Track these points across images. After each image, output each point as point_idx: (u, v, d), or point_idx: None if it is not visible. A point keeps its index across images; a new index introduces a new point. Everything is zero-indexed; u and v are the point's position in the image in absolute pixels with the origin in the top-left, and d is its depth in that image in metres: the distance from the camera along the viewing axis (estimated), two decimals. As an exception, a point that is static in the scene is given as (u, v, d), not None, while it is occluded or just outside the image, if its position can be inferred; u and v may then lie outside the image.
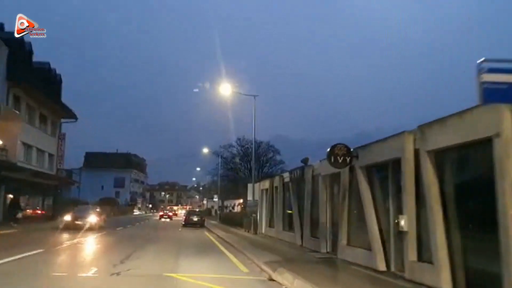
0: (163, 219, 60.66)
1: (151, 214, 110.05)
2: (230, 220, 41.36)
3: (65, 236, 20.62)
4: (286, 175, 21.51)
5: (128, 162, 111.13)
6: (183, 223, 39.53)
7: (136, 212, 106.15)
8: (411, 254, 9.23)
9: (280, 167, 75.93)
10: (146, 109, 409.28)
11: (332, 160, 12.18)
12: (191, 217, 38.78)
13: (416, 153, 9.43)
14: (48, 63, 35.67)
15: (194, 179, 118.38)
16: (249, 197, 28.76)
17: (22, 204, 32.84)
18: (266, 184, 26.31)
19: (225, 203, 74.46)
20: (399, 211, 9.94)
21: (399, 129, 10.17)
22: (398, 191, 10.26)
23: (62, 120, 38.53)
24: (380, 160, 11.10)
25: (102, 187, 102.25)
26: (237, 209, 77.14)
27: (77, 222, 25.81)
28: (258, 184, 28.60)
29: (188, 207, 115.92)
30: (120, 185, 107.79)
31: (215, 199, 56.00)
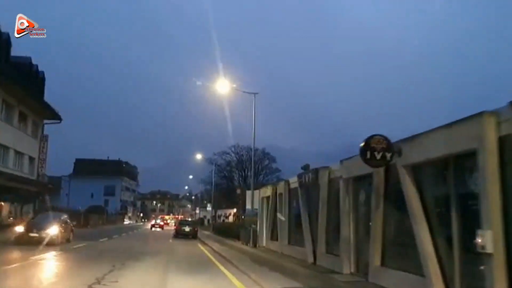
0: (154, 229, 58.26)
1: (142, 223, 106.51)
2: (224, 231, 38.38)
3: (12, 254, 16.26)
4: (293, 180, 18.71)
5: (119, 169, 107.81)
6: (174, 233, 36.55)
7: (127, 221, 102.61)
8: (499, 284, 6.45)
9: (276, 175, 73.10)
10: (139, 116, 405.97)
11: (368, 156, 9.41)
12: (182, 227, 35.79)
13: (502, 142, 6.72)
14: (29, 58, 32.76)
15: (186, 187, 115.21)
16: (248, 206, 25.87)
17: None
18: (267, 191, 23.49)
19: (218, 212, 71.53)
20: (470, 223, 7.19)
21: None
22: (465, 196, 7.56)
23: (45, 121, 35.52)
24: (435, 155, 8.34)
25: (92, 195, 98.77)
26: (231, 219, 74.52)
27: (32, 235, 20.63)
28: (257, 191, 25.77)
29: (180, 216, 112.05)
30: (110, 193, 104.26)
31: (209, 208, 52.99)
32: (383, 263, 10.35)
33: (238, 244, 26.77)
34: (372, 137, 9.51)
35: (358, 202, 12.30)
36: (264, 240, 23.64)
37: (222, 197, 73.51)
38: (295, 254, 17.30)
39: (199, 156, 53.01)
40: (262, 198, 24.52)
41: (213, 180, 59.34)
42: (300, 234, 17.29)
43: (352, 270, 12.12)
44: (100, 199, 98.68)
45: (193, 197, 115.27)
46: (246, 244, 24.92)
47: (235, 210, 78.45)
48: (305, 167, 20.76)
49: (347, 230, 12.37)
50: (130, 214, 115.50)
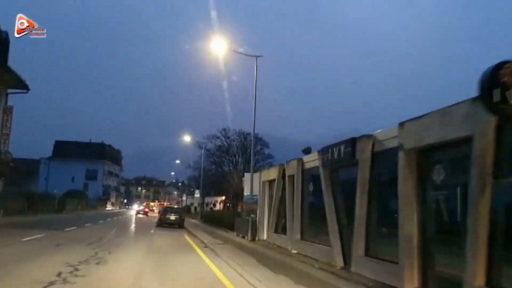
0: (139, 215, 55.48)
1: (125, 209, 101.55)
2: (214, 220, 34.30)
3: None
4: (310, 158, 14.61)
5: (102, 152, 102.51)
6: (158, 221, 32.32)
7: (109, 207, 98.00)
8: None
9: (268, 161, 69.06)
10: (127, 99, 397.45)
11: (498, 97, 5.28)
12: (167, 215, 31.53)
13: None
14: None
15: (173, 173, 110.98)
16: (246, 192, 21.73)
17: None
18: (271, 173, 19.42)
19: (206, 200, 67.39)
20: None
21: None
22: None
23: (10, 90, 30.75)
24: None
25: (73, 179, 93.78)
26: (219, 206, 70.65)
27: None
28: (257, 174, 21.66)
29: (166, 203, 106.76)
30: (92, 177, 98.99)
31: (197, 195, 48.56)
32: (490, 283, 6.31)
33: (232, 236, 22.71)
34: (503, 64, 5.36)
35: (429, 184, 8.20)
36: (265, 232, 19.61)
37: (210, 184, 69.53)
38: (312, 253, 13.28)
39: (187, 138, 48.35)
40: (263, 182, 20.45)
41: (202, 164, 55.01)
42: (319, 227, 13.29)
43: (417, 285, 8.09)
44: (81, 183, 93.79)
45: (179, 184, 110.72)
46: (243, 237, 20.89)
47: (223, 197, 74.85)
48: (307, 150, 16.85)
49: (412, 226, 8.28)
50: (113, 200, 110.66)
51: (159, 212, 43.22)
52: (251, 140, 68.42)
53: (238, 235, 22.20)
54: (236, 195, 63.50)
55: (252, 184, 20.49)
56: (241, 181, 29.45)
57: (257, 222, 20.02)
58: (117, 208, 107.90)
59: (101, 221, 34.08)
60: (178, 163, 76.92)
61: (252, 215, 19.93)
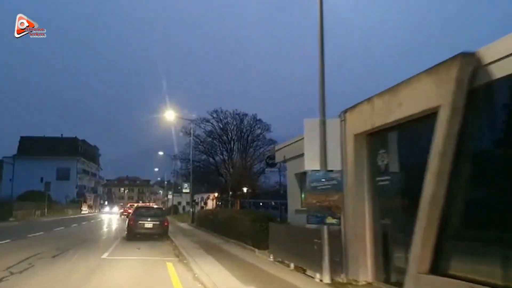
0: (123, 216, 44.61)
1: (107, 212, 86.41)
2: (214, 225, 22.31)
3: None
4: None
5: (75, 148, 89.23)
6: (126, 232, 20.26)
7: (85, 210, 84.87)
8: None
9: (270, 147, 57.18)
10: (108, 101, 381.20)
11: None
12: (141, 222, 19.39)
13: None
14: None
15: (156, 169, 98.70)
16: (310, 165, 9.34)
17: None
18: (409, 93, 7.45)
19: (195, 197, 55.21)
20: None
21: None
22: None
23: None
24: None
25: (42, 179, 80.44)
26: (212, 204, 59.02)
27: None
28: (335, 121, 9.36)
29: (151, 203, 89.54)
30: (64, 177, 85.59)
31: (186, 190, 36.01)
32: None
33: (264, 262, 10.95)
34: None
35: None
36: (369, 264, 7.77)
37: (199, 179, 57.98)
38: None
39: (170, 117, 35.53)
40: (366, 136, 8.42)
41: (191, 151, 42.85)
42: None
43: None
44: (53, 184, 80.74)
45: (165, 183, 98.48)
46: (301, 270, 9.05)
47: (215, 194, 63.24)
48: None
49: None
50: (90, 202, 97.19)
51: (127, 216, 30.10)
52: (248, 122, 56.73)
53: (279, 262, 10.50)
54: (236, 189, 51.94)
55: (325, 147, 8.48)
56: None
57: (343, 235, 8.19)
58: (96, 211, 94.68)
59: (42, 233, 22.06)
60: (161, 155, 64.38)
61: (331, 220, 8.04)
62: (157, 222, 19.59)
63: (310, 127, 8.79)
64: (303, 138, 9.30)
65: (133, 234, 19.28)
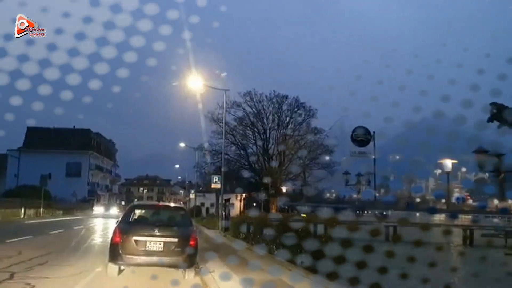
0: None
1: (101, 216, 74.47)
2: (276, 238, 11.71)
3: None
4: None
5: (87, 141, 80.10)
6: (108, 259, 9.74)
7: (97, 210, 74.84)
8: None
9: (316, 138, 46.45)
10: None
11: None
12: (137, 240, 8.96)
13: None
14: None
15: (177, 166, 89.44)
16: None
17: None
18: None
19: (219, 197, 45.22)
20: None
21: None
22: None
23: None
24: None
25: (50, 175, 71.13)
26: (240, 206, 50.20)
27: None
28: None
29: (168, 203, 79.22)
30: (75, 173, 76.55)
31: (216, 184, 25.84)
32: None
33: None
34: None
35: None
36: None
37: (227, 177, 48.13)
38: None
39: (196, 84, 25.21)
40: None
41: (223, 139, 32.48)
42: None
43: None
44: (62, 181, 71.54)
45: (187, 182, 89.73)
46: None
47: (243, 194, 53.37)
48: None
49: None
50: (105, 202, 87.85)
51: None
52: (290, 104, 46.11)
53: None
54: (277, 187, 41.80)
55: None
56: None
57: None
58: (116, 211, 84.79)
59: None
60: (183, 146, 54.18)
61: None
62: (175, 239, 9.19)
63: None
64: None
65: (121, 263, 9.03)
